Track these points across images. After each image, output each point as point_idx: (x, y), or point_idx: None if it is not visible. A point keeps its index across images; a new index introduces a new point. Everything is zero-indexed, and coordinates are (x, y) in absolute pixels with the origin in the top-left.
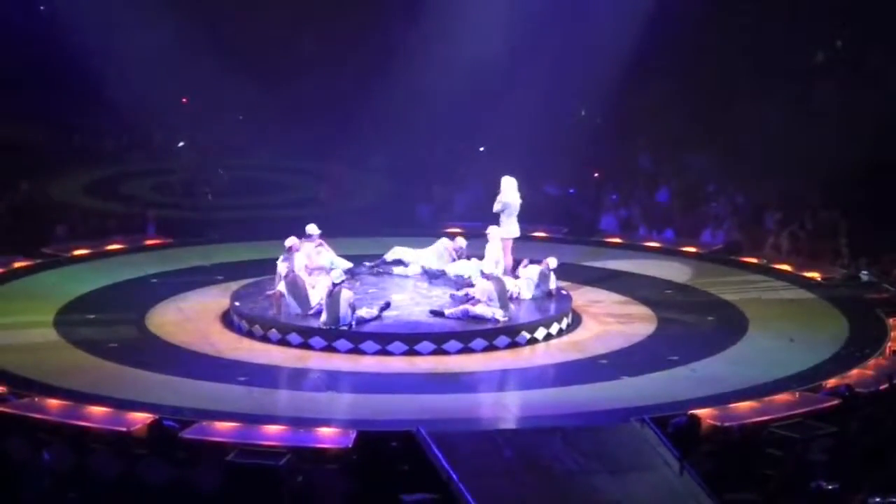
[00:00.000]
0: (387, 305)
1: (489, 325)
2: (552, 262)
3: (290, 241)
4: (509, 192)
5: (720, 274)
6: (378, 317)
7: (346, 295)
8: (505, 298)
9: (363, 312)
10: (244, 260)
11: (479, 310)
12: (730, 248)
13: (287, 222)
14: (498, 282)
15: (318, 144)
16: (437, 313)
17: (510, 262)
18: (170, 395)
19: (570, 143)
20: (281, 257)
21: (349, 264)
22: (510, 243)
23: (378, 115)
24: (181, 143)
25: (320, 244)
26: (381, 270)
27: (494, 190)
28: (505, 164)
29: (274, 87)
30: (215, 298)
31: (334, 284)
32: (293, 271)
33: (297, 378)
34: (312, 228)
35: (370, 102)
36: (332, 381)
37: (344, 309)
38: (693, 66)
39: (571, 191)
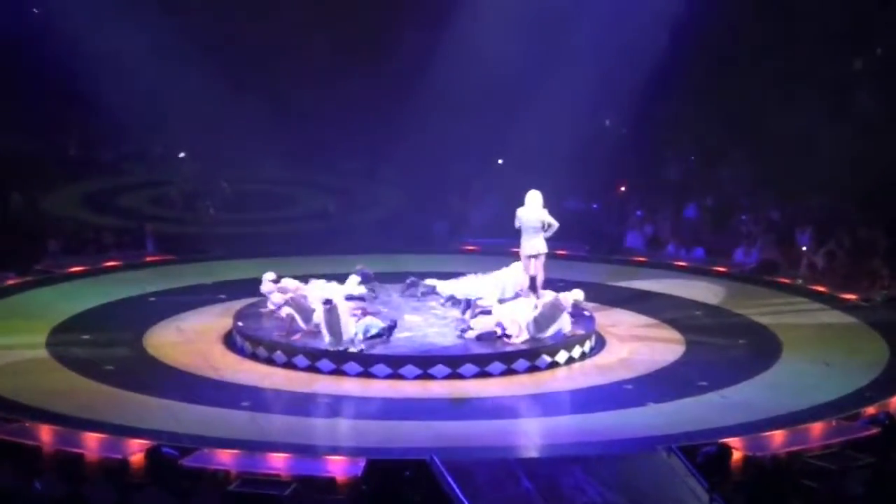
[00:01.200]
0: (393, 325)
1: (508, 348)
2: (576, 295)
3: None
4: (525, 207)
5: (753, 295)
6: (386, 338)
7: (344, 307)
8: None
9: (368, 322)
10: (248, 278)
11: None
12: (764, 267)
13: (294, 237)
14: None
15: (328, 155)
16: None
17: (540, 280)
18: (169, 420)
19: (593, 155)
20: (270, 284)
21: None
22: (527, 262)
23: (391, 125)
24: (182, 154)
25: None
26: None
27: (514, 205)
28: (524, 177)
29: (281, 94)
30: (217, 318)
31: (327, 301)
32: (330, 301)
33: (303, 403)
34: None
35: (383, 111)
36: (341, 406)
37: (345, 321)
38: (724, 74)
39: (594, 206)
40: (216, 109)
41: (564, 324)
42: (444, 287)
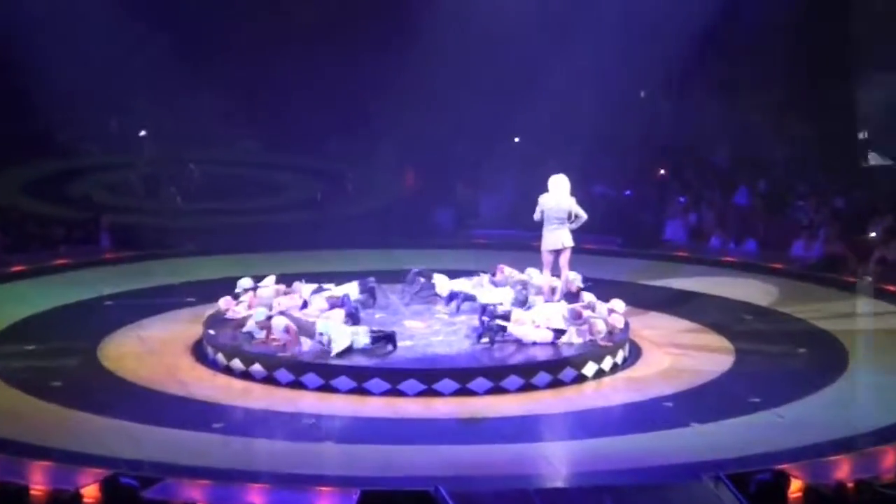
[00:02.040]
0: (387, 338)
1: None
2: (617, 305)
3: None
4: (550, 193)
5: (814, 296)
6: (392, 349)
7: (337, 315)
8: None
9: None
10: (221, 277)
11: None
12: (827, 263)
13: (277, 231)
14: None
15: (316, 134)
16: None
17: (564, 277)
18: (128, 445)
19: (627, 132)
20: (248, 294)
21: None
22: (549, 258)
23: (389, 99)
24: (143, 133)
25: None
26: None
27: (531, 191)
28: (544, 159)
29: (262, 63)
30: (185, 325)
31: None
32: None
33: (286, 424)
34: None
35: (380, 83)
36: (331, 427)
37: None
38: (781, 44)
39: (627, 192)
40: (184, 79)
41: (601, 330)
42: (443, 284)
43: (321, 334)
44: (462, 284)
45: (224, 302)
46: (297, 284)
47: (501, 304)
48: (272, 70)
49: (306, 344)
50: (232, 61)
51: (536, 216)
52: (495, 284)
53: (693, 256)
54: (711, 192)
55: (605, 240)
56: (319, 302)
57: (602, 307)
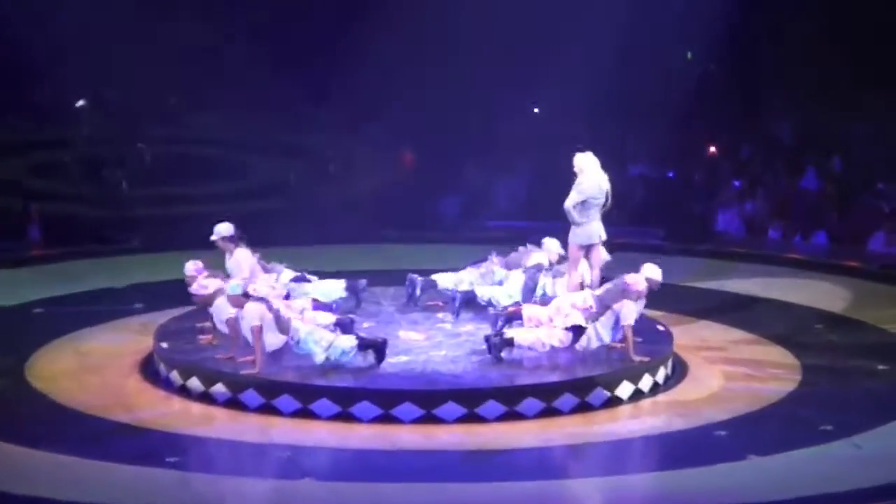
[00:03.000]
0: (372, 346)
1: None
2: (649, 271)
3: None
4: (588, 175)
5: None
6: (375, 362)
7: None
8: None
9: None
10: (174, 279)
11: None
12: None
13: (242, 222)
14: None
15: (290, 104)
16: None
17: (596, 276)
18: (63, 483)
19: (670, 103)
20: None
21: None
22: (579, 254)
23: (383, 64)
24: (81, 103)
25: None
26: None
27: (557, 174)
28: (571, 136)
29: (221, 19)
30: (132, 337)
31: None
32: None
33: (255, 457)
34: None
35: (369, 40)
36: (309, 461)
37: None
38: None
39: (671, 174)
40: (130, 37)
41: (628, 315)
42: (446, 280)
43: (294, 339)
44: (469, 275)
45: (193, 266)
46: (276, 266)
47: (511, 297)
48: (234, 28)
49: (275, 341)
50: (185, 16)
51: (571, 203)
52: (508, 267)
53: (750, 253)
54: (773, 174)
55: (644, 232)
56: (304, 301)
57: (632, 277)
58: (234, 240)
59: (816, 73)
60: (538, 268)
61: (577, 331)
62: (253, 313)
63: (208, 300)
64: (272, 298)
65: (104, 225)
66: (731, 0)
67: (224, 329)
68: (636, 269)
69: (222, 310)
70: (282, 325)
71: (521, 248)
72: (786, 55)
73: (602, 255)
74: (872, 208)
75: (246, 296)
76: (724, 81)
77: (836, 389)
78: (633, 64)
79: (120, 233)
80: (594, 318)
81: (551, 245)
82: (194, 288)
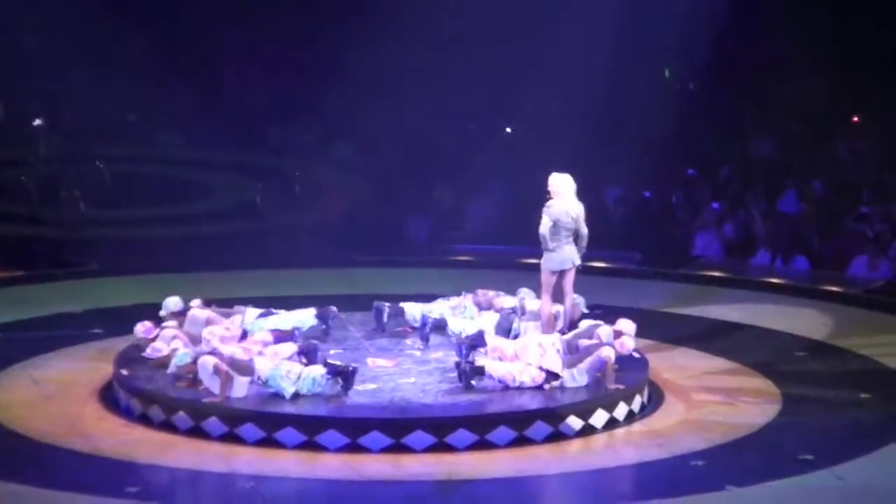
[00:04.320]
0: (341, 374)
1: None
2: (625, 326)
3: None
4: (560, 198)
5: (881, 327)
6: (344, 390)
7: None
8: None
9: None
10: (134, 304)
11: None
12: None
13: (204, 245)
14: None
15: (256, 123)
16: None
17: (569, 303)
18: None
19: (646, 122)
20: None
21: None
22: (551, 279)
23: (351, 81)
24: (38, 121)
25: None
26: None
27: (530, 196)
28: (545, 155)
29: (184, 36)
30: (90, 364)
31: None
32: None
33: (218, 488)
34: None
35: (340, 61)
36: (274, 492)
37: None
38: (838, 20)
39: (646, 194)
40: (89, 54)
41: (610, 356)
42: (415, 310)
43: (259, 378)
44: (439, 307)
45: (142, 329)
46: (238, 308)
47: (483, 332)
48: (197, 44)
49: (241, 386)
50: (146, 33)
51: (546, 229)
52: (480, 307)
53: (730, 277)
54: (753, 196)
55: (620, 256)
56: (263, 335)
57: (605, 331)
58: (184, 312)
59: (797, 93)
60: (513, 310)
61: (551, 375)
62: (205, 367)
63: (164, 362)
64: (225, 346)
65: (62, 247)
66: (710, 18)
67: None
68: (613, 292)
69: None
70: (241, 368)
71: (492, 293)
72: (766, 75)
73: (578, 304)
74: (855, 232)
75: (195, 361)
76: (704, 100)
77: (817, 418)
78: (611, 83)
79: (78, 255)
80: (571, 364)
81: (526, 296)
82: (148, 352)
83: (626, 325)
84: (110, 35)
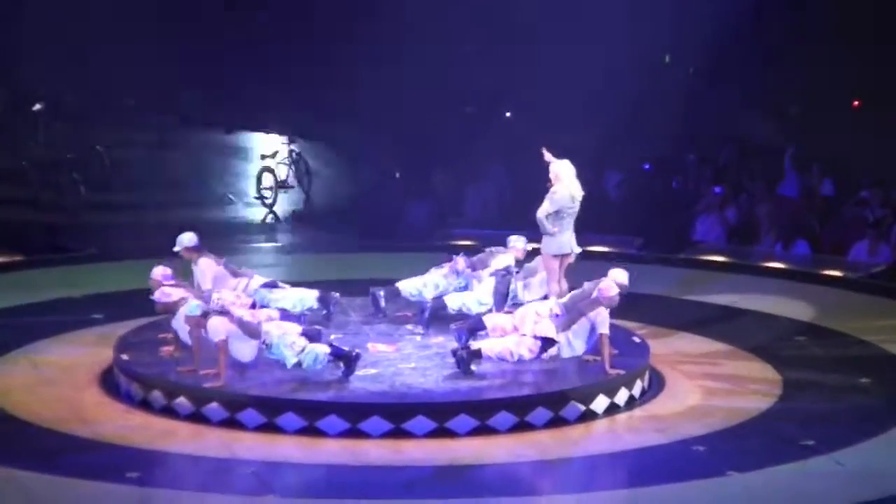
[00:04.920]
0: (343, 358)
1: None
2: (617, 276)
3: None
4: (563, 184)
5: (882, 312)
6: (345, 374)
7: (284, 329)
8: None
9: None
10: (134, 289)
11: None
12: None
13: (205, 230)
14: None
15: (256, 109)
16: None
17: (564, 289)
18: (18, 500)
19: (647, 106)
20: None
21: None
22: (555, 264)
23: (350, 64)
24: (38, 106)
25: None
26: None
27: (529, 181)
28: (544, 140)
29: (186, 20)
30: (90, 349)
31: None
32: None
33: (219, 474)
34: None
35: (335, 43)
36: (275, 477)
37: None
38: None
39: (646, 166)
40: (90, 38)
41: (603, 322)
42: (410, 286)
43: (265, 343)
44: (433, 277)
45: (161, 272)
46: (246, 271)
47: (482, 304)
48: (198, 30)
49: (248, 349)
50: (147, 17)
51: (544, 213)
52: (473, 268)
53: (731, 262)
54: (754, 181)
55: (620, 240)
56: (271, 311)
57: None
58: (198, 249)
59: (796, 77)
60: (508, 270)
61: (547, 342)
62: (217, 329)
63: (170, 308)
64: (235, 308)
65: (62, 232)
66: (710, 2)
67: (187, 340)
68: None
69: (178, 327)
70: (250, 329)
71: (486, 250)
72: (767, 60)
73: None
74: (856, 217)
75: (205, 315)
76: (705, 84)
77: (817, 404)
78: (611, 68)
79: (78, 240)
80: (565, 326)
81: (517, 243)
82: (157, 295)
83: (618, 274)
84: (114, 19)
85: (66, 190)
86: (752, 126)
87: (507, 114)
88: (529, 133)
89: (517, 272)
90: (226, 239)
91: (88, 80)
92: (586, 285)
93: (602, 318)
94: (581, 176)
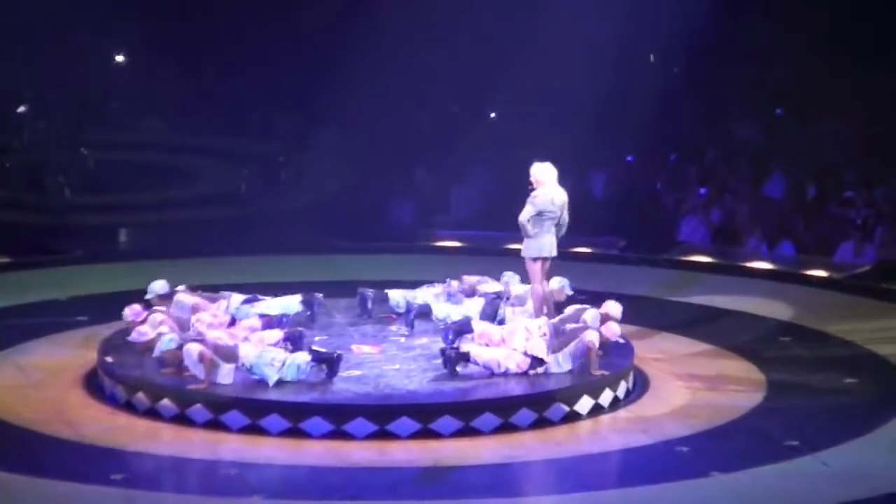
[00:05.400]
0: (326, 361)
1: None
2: (611, 309)
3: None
4: (545, 188)
5: (867, 312)
6: (327, 375)
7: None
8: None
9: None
10: (119, 291)
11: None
12: (883, 270)
13: (189, 231)
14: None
15: (237, 109)
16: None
17: (546, 290)
18: (3, 502)
19: (632, 106)
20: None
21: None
22: (537, 266)
23: (333, 67)
24: (22, 108)
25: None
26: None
27: (513, 182)
28: (528, 140)
29: (166, 21)
30: (75, 351)
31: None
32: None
33: (203, 475)
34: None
35: (320, 43)
36: (258, 478)
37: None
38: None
39: (629, 158)
40: (73, 42)
41: (594, 340)
42: (399, 297)
43: (244, 365)
44: (424, 294)
45: (130, 312)
46: (224, 293)
47: (470, 318)
48: (179, 30)
49: (225, 373)
50: (130, 19)
51: (526, 217)
52: (464, 294)
53: (716, 263)
54: (739, 181)
55: (604, 241)
56: (251, 321)
57: (591, 314)
58: (169, 296)
59: (781, 77)
60: (498, 295)
61: (536, 361)
62: (191, 355)
63: (150, 346)
64: (211, 330)
65: (46, 233)
66: (696, 2)
67: (198, 374)
68: (597, 278)
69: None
70: (226, 354)
71: (478, 278)
72: (753, 60)
73: (563, 289)
74: (841, 217)
75: (180, 347)
76: (689, 84)
77: (802, 404)
78: (596, 68)
79: (62, 242)
80: (555, 349)
81: (511, 279)
82: (133, 336)
83: (613, 308)
84: (96, 21)
85: (51, 192)
86: (737, 126)
87: (492, 115)
88: (514, 133)
89: (507, 299)
90: (212, 237)
91: (72, 81)
92: (570, 311)
93: (592, 337)
94: (564, 177)
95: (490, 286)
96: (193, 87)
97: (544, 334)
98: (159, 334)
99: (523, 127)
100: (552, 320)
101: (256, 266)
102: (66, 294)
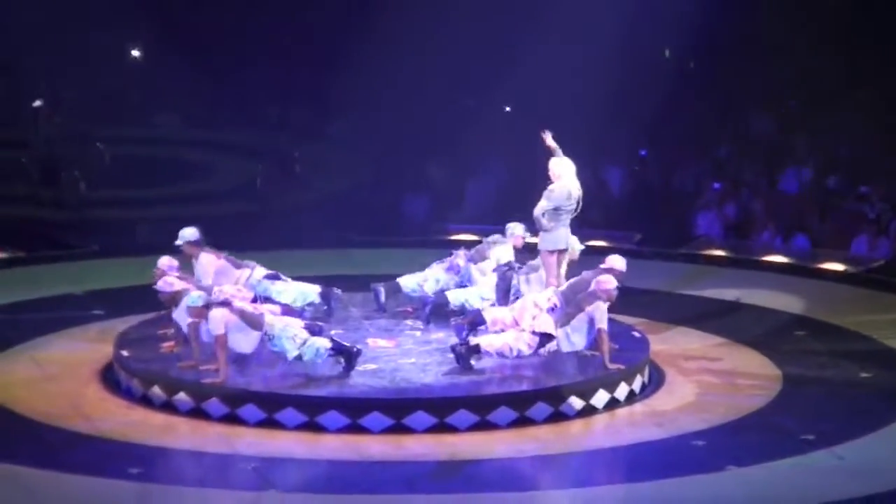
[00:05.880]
0: (343, 353)
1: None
2: (615, 262)
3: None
4: (561, 182)
5: (882, 306)
6: (345, 369)
7: (285, 322)
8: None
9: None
10: (135, 284)
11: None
12: None
13: (204, 226)
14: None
15: (252, 104)
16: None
17: (562, 284)
18: (20, 497)
19: (646, 101)
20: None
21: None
22: (553, 259)
23: (347, 62)
24: (38, 103)
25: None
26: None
27: (528, 176)
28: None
29: (180, 14)
30: (91, 345)
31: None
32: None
33: (220, 469)
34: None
35: (335, 36)
36: (275, 473)
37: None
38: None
39: (643, 152)
40: (89, 38)
41: (601, 317)
42: (411, 281)
43: (267, 334)
44: (434, 272)
45: (167, 262)
46: (248, 262)
47: (484, 299)
48: (193, 24)
49: (250, 340)
50: (144, 14)
51: (540, 211)
52: (474, 261)
53: (731, 257)
54: (754, 176)
55: (619, 235)
56: (272, 306)
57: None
58: (199, 244)
59: (799, 68)
60: (510, 266)
61: (545, 337)
62: (217, 321)
63: (172, 299)
64: (236, 299)
65: (62, 228)
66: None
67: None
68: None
69: (180, 318)
70: (252, 320)
71: (484, 241)
72: (768, 52)
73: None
74: (856, 212)
75: (207, 307)
76: (704, 78)
77: (817, 398)
78: (611, 62)
79: (78, 236)
80: (564, 321)
81: (516, 230)
82: (160, 284)
83: (616, 260)
84: (111, 16)
85: (67, 186)
86: (752, 121)
87: (507, 108)
88: (529, 127)
89: (519, 268)
90: (227, 231)
91: (89, 75)
92: (585, 274)
93: (600, 313)
94: (581, 172)
95: (498, 250)
96: (209, 81)
97: (554, 306)
98: (185, 289)
99: (537, 121)
100: (561, 288)
101: (271, 260)
102: (82, 288)
